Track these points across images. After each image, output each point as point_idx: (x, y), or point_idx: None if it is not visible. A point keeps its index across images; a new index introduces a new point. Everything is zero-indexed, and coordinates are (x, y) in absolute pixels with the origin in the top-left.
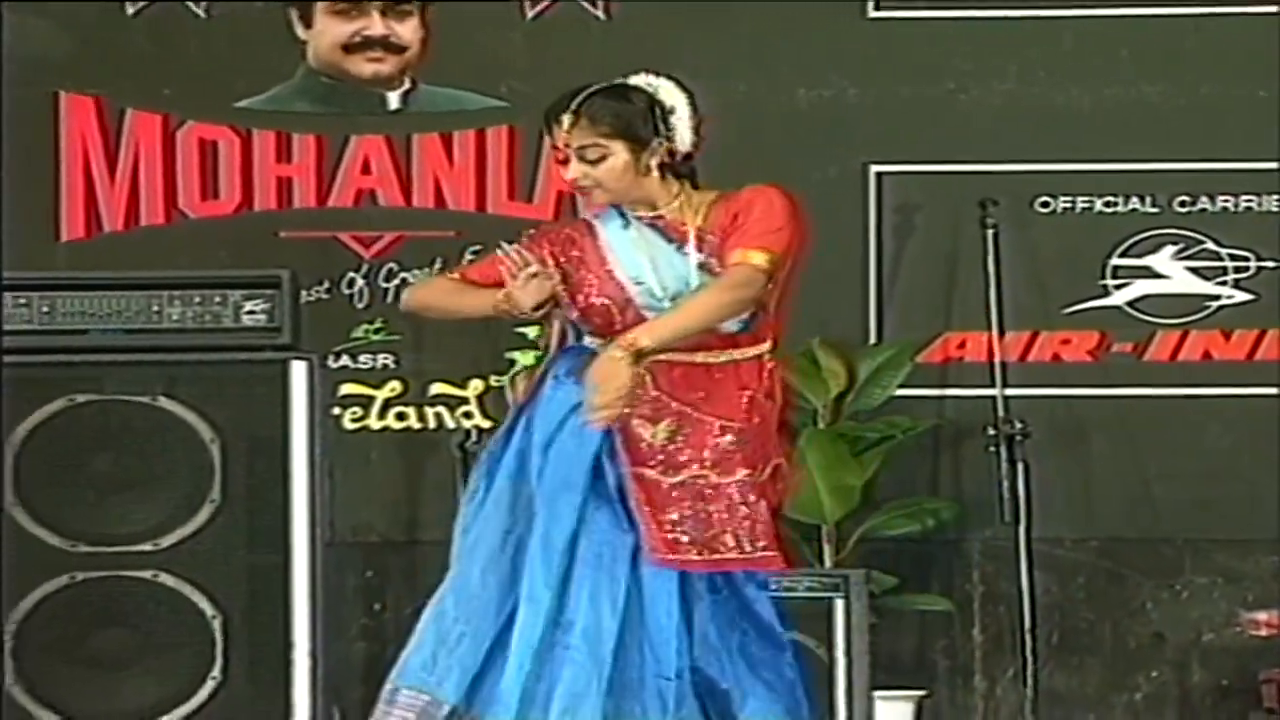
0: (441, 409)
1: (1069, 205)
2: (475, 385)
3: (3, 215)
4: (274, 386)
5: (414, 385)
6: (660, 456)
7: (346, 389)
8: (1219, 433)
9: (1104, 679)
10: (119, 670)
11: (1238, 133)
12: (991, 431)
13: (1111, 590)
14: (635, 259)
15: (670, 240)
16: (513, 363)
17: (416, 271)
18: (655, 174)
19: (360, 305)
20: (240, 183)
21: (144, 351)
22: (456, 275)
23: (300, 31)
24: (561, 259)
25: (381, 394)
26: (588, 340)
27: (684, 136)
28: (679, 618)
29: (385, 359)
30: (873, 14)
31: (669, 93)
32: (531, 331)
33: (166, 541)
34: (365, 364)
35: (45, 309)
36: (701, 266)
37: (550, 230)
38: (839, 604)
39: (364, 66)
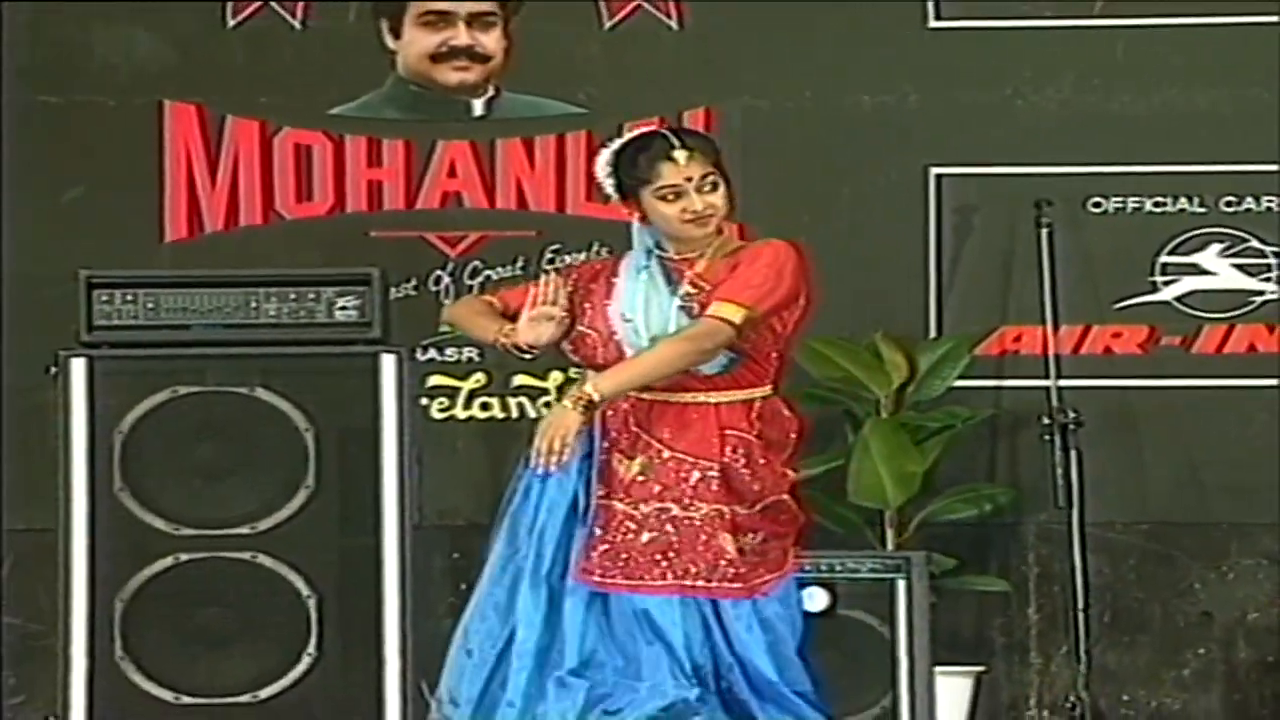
0: (523, 399)
1: (1120, 205)
2: (555, 377)
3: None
4: (365, 378)
5: (497, 377)
6: (631, 489)
7: (434, 380)
8: (1264, 421)
9: (1154, 656)
10: (220, 647)
11: None
12: (1046, 421)
13: (1161, 571)
14: (633, 297)
15: (670, 282)
16: None
17: (500, 269)
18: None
19: (446, 301)
20: (333, 186)
21: (242, 345)
22: (493, 297)
23: (390, 42)
24: (580, 293)
25: (467, 385)
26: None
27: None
28: (659, 644)
29: (470, 352)
30: (933, 24)
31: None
32: None
33: (264, 525)
34: (451, 357)
35: (150, 305)
36: (681, 309)
37: (589, 265)
38: (901, 584)
39: (450, 75)
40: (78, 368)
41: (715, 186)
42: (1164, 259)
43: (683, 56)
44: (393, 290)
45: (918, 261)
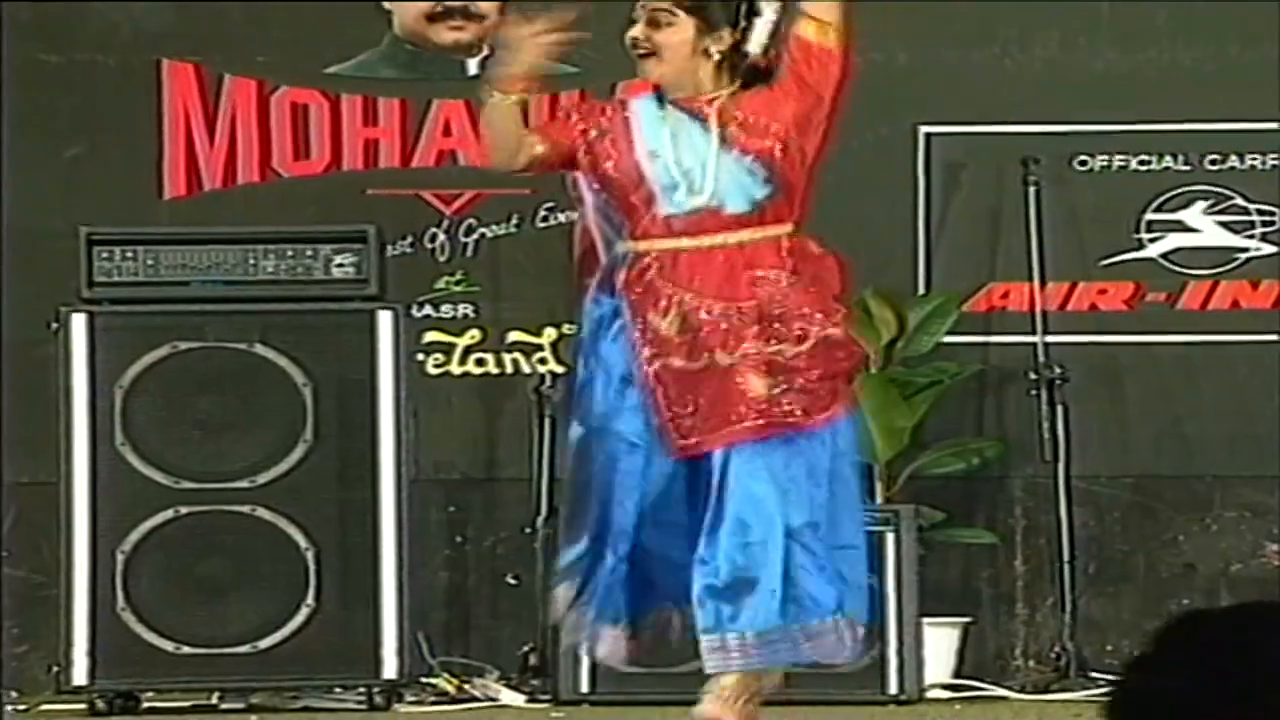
0: (518, 355)
1: (1106, 164)
2: (549, 333)
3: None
4: (362, 334)
5: (492, 333)
6: (675, 346)
7: (429, 336)
8: (1246, 376)
9: (1138, 606)
10: (220, 597)
11: (1266, 94)
12: (1033, 376)
13: (1145, 524)
14: (657, 133)
15: (695, 118)
16: None
17: (495, 226)
18: (712, 63)
19: (442, 259)
20: (330, 144)
21: (241, 301)
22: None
23: (386, 3)
24: (590, 127)
25: (462, 341)
26: (619, 245)
27: (758, 39)
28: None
29: (465, 309)
30: None
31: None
32: None
33: (263, 478)
34: (447, 313)
35: (150, 262)
36: (723, 141)
37: (596, 104)
38: (890, 537)
39: (445, 35)
40: (79, 323)
41: (670, 25)
42: (1149, 216)
43: None
44: (389, 247)
45: (907, 219)
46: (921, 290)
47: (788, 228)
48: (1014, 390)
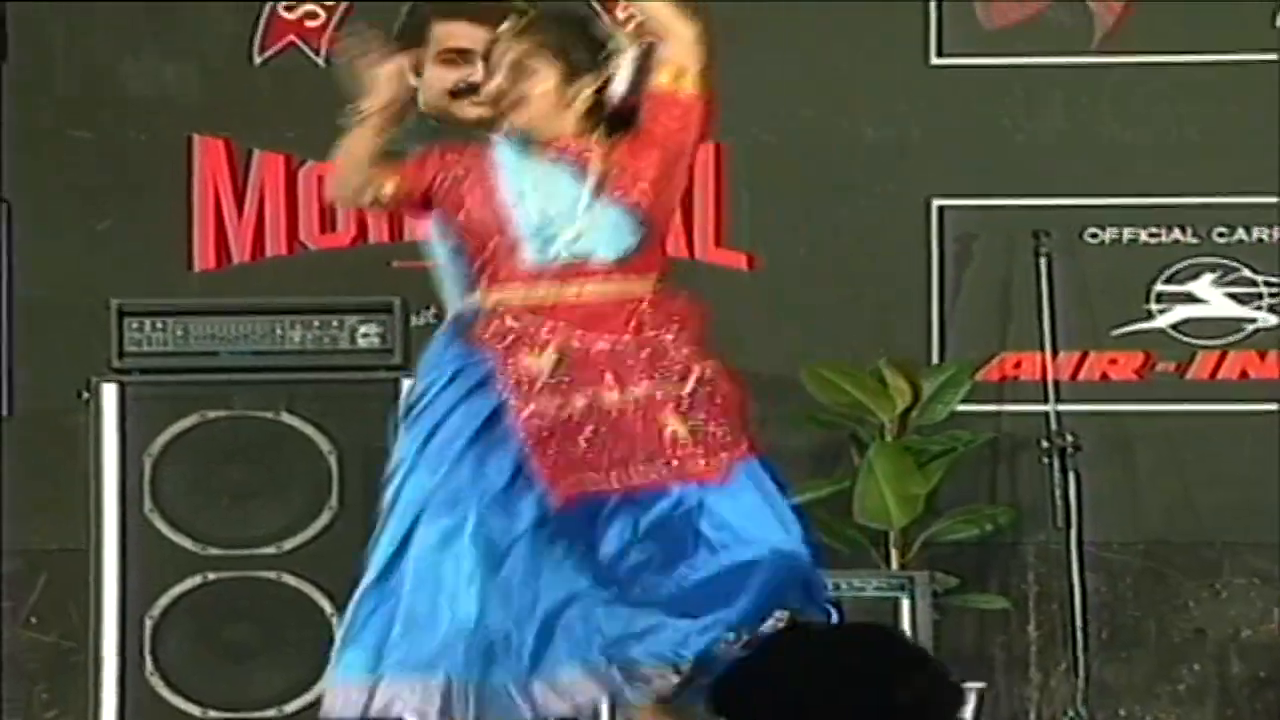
0: None
1: (1116, 236)
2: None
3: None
4: (387, 403)
5: None
6: (556, 387)
7: None
8: (1255, 444)
9: (1150, 671)
10: (246, 661)
11: (1271, 167)
12: (1045, 444)
13: (1156, 590)
14: (521, 179)
15: (563, 164)
16: None
17: None
18: (574, 110)
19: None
20: (356, 217)
21: (268, 371)
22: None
23: (411, 79)
24: (447, 171)
25: None
26: (473, 296)
27: (620, 84)
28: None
29: None
30: (934, 61)
31: (622, 40)
32: None
33: (289, 545)
34: None
35: (179, 332)
36: (599, 187)
37: (446, 148)
38: (905, 603)
39: (468, 110)
40: (109, 392)
41: (530, 74)
42: (1159, 288)
43: None
44: (413, 318)
45: (920, 289)
46: (935, 360)
47: (654, 277)
48: (1026, 458)
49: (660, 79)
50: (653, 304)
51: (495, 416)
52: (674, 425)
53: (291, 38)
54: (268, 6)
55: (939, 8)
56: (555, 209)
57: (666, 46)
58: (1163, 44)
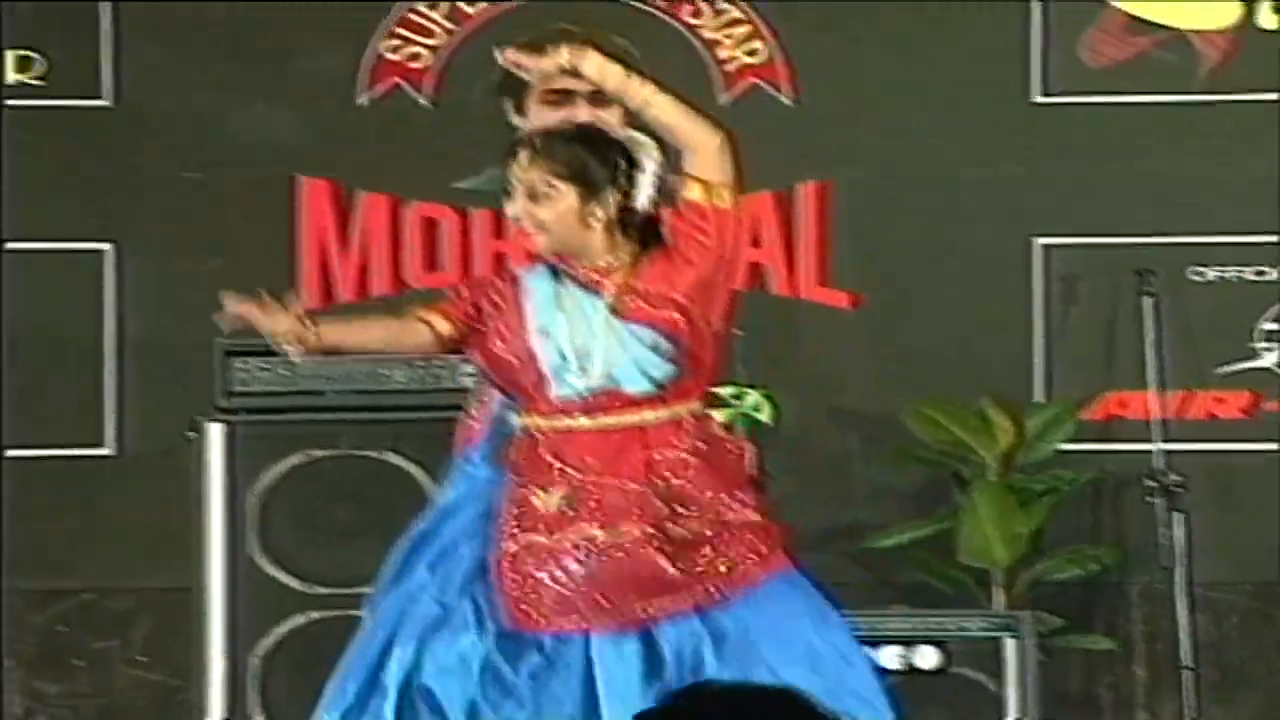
0: None
1: (1220, 274)
2: None
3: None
4: None
5: None
6: (552, 523)
7: None
8: None
9: (1258, 713)
10: None
11: None
12: (1150, 483)
13: (1264, 630)
14: (550, 310)
15: (589, 292)
16: None
17: None
18: (601, 228)
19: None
20: (459, 256)
21: (373, 411)
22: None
23: (514, 119)
24: (482, 304)
25: None
26: (513, 418)
27: (645, 194)
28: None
29: None
30: (1037, 99)
31: (642, 148)
32: (726, 391)
33: None
34: None
35: (285, 372)
36: (620, 315)
37: (478, 278)
38: (1010, 643)
39: None
40: (215, 432)
41: (546, 196)
42: (1264, 325)
43: (796, 131)
44: None
45: (1024, 328)
46: (1039, 398)
47: (693, 404)
48: (1131, 497)
49: (691, 193)
50: (682, 440)
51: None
52: (663, 565)
53: (396, 79)
54: (372, 48)
55: (1042, 46)
56: (584, 339)
57: (692, 159)
58: (1267, 81)
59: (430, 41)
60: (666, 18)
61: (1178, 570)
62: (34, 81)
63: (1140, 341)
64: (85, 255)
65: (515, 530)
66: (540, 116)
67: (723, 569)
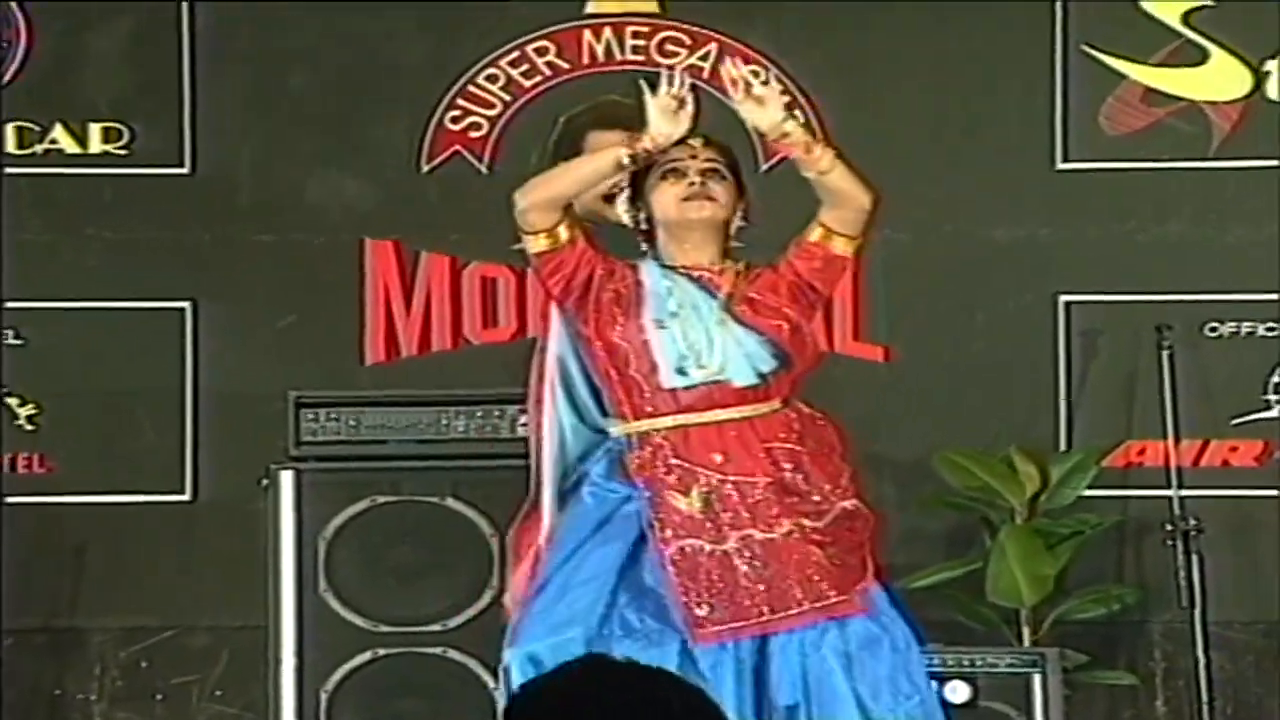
0: None
1: (1234, 330)
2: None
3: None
4: None
5: None
6: (699, 525)
7: None
8: None
9: None
10: None
11: None
12: (1169, 527)
13: (1278, 669)
14: (664, 303)
15: (704, 289)
16: None
17: None
18: (733, 227)
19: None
20: (516, 313)
21: (435, 459)
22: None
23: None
24: (608, 278)
25: None
26: (614, 430)
27: (744, 213)
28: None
29: None
30: (1060, 165)
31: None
32: None
33: (454, 622)
34: None
35: (352, 422)
36: (733, 316)
37: (609, 262)
38: (1037, 678)
39: (620, 215)
40: (286, 479)
41: (723, 180)
42: (1276, 379)
43: None
44: None
45: (1048, 380)
46: (1063, 447)
47: (779, 404)
48: (1151, 540)
49: (810, 235)
50: (790, 432)
51: (635, 556)
52: (817, 558)
53: (456, 147)
54: (434, 119)
55: (1064, 116)
56: (696, 334)
57: (834, 211)
58: (1276, 148)
59: (489, 112)
60: (710, 89)
61: (1195, 610)
62: (119, 151)
63: (1159, 393)
64: (166, 313)
65: (669, 537)
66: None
67: (852, 567)
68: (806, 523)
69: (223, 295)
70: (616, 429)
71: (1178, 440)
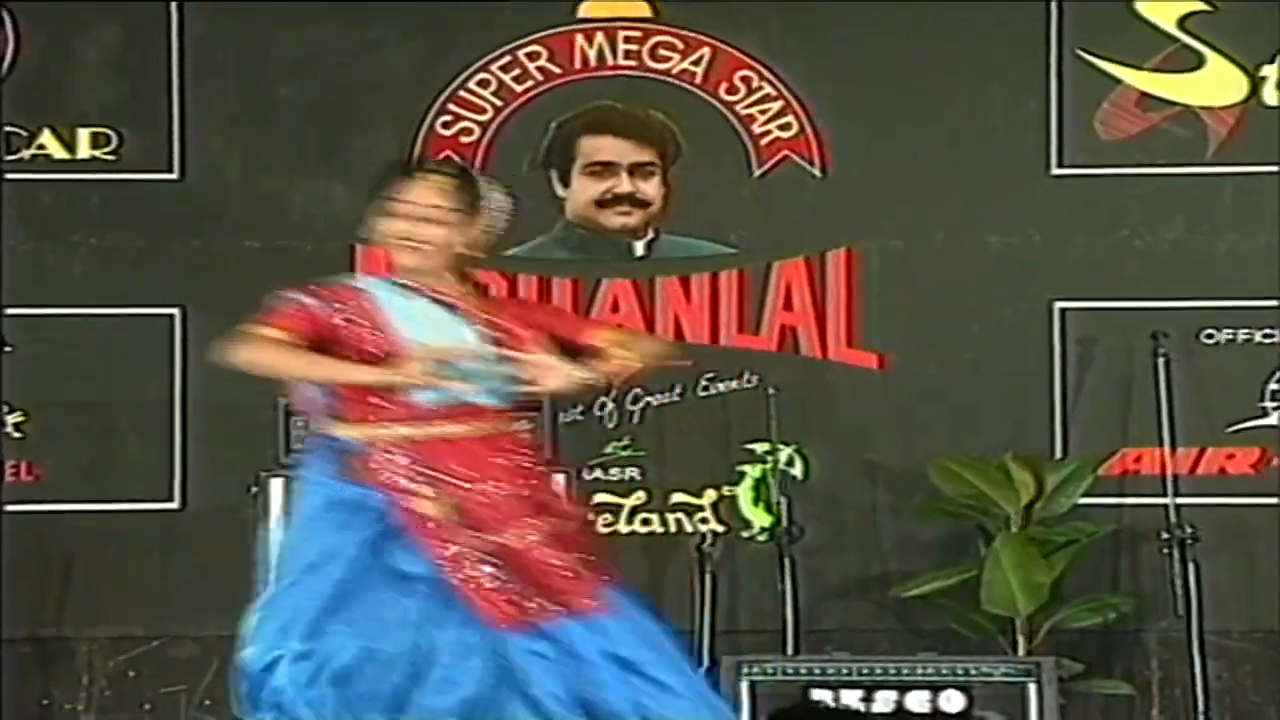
0: (680, 515)
1: (1230, 337)
2: (710, 494)
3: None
4: None
5: (656, 495)
6: (451, 532)
7: (599, 498)
8: None
9: None
10: None
11: None
12: (1165, 535)
13: (1274, 677)
14: (410, 320)
15: (450, 310)
16: (743, 475)
17: (659, 395)
18: (456, 256)
19: (610, 425)
20: None
21: None
22: (284, 336)
23: (559, 190)
24: (340, 311)
25: (628, 502)
26: (339, 431)
27: (483, 237)
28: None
29: (632, 472)
30: (1055, 171)
31: (499, 201)
32: (760, 447)
33: None
34: (615, 476)
35: None
36: (495, 339)
37: (320, 286)
38: (1031, 687)
39: (614, 219)
40: (276, 487)
41: (439, 222)
42: (1272, 386)
43: (825, 202)
44: (561, 415)
45: (1044, 388)
46: (1059, 455)
47: (519, 420)
48: (1147, 549)
49: (597, 333)
50: (519, 448)
51: (380, 550)
52: (565, 560)
53: (448, 153)
54: (425, 124)
55: (1059, 121)
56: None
57: (625, 348)
58: (1272, 154)
59: (480, 118)
60: (705, 95)
61: (1192, 619)
62: (107, 157)
63: (1154, 401)
64: (154, 320)
65: (429, 539)
66: (584, 187)
67: (595, 566)
68: (550, 526)
69: (211, 302)
70: (342, 432)
71: (1174, 448)
